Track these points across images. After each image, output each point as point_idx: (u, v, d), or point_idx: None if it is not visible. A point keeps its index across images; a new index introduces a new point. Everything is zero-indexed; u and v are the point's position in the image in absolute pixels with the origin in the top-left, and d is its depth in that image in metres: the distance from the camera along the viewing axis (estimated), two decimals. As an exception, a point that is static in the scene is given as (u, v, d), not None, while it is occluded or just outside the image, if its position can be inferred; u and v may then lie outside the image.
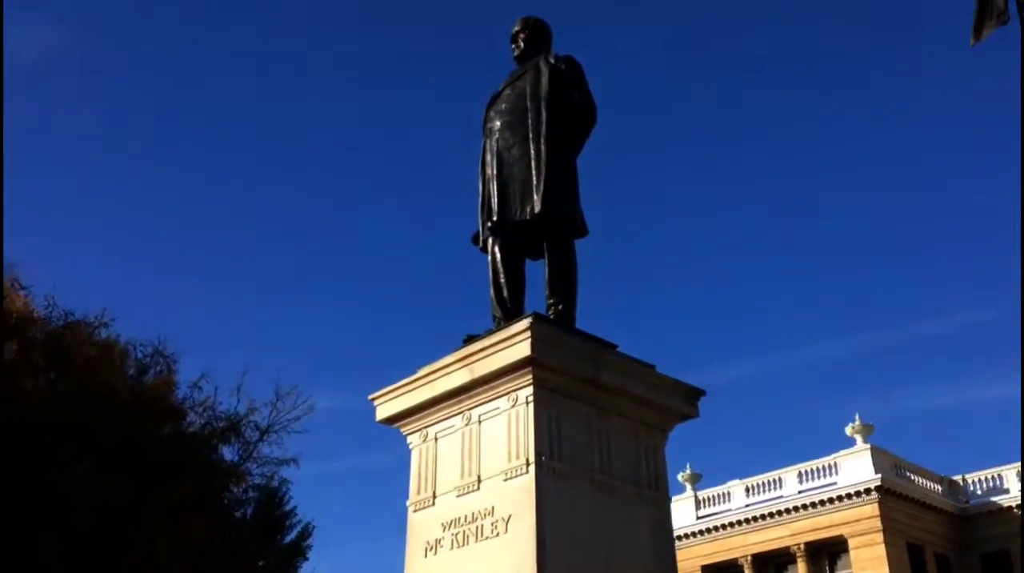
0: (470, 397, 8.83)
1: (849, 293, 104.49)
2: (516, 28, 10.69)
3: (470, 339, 9.31)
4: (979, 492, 57.27)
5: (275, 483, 36.95)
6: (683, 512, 57.46)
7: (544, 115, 9.81)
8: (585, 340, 8.99)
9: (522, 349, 8.34)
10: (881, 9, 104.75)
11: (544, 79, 10.00)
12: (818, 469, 56.15)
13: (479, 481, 8.55)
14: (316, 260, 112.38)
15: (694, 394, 9.43)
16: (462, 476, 8.71)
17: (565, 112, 9.93)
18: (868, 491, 52.96)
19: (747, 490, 58.47)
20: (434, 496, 8.91)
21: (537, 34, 10.63)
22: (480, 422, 8.77)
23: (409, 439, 9.38)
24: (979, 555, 55.86)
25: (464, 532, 8.48)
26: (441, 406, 9.05)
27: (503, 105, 10.22)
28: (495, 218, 9.76)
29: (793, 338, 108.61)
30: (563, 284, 9.62)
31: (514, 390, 8.50)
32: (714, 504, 58.74)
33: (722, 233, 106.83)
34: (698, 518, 58.49)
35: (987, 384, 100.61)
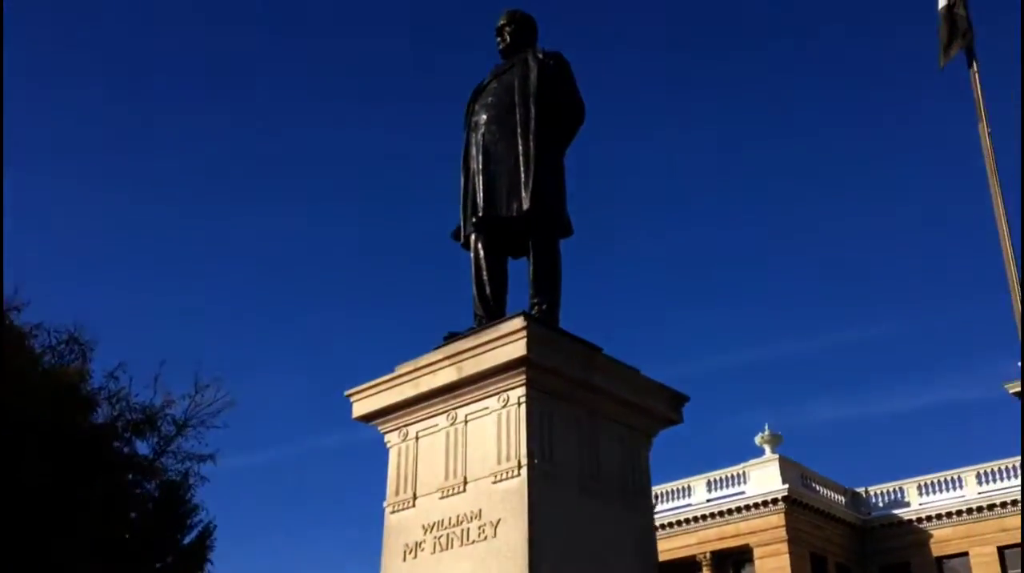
0: (456, 396, 8.57)
1: (762, 304, 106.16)
2: (502, 21, 10.46)
3: (452, 337, 9.06)
4: (881, 505, 58.53)
5: (185, 479, 35.74)
6: (592, 517, 57.56)
7: (533, 111, 9.60)
8: (574, 341, 8.79)
9: (516, 348, 8.12)
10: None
11: (533, 74, 9.80)
12: (727, 478, 56.87)
13: (465, 483, 8.30)
14: (237, 248, 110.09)
15: (679, 399, 9.30)
16: (446, 477, 8.45)
17: (554, 109, 9.74)
18: (775, 501, 53.80)
19: (656, 497, 58.71)
20: (414, 497, 8.62)
21: (523, 28, 10.42)
22: (467, 422, 8.51)
23: (387, 437, 9.08)
24: (879, 567, 57.13)
25: (448, 535, 8.22)
26: (424, 404, 8.77)
27: (489, 99, 9.98)
28: (480, 214, 9.52)
29: (705, 347, 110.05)
30: (548, 284, 9.41)
31: (505, 390, 8.27)
32: (623, 510, 58.90)
33: (632, 242, 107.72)
34: (607, 524, 58.64)
35: (891, 397, 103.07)
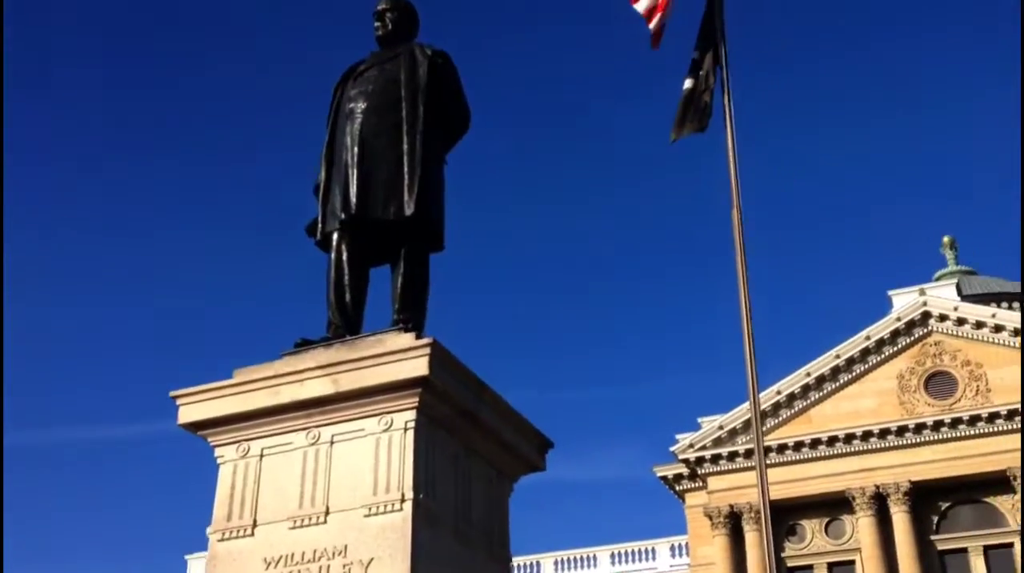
0: (324, 412, 7.42)
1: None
2: (383, 6, 9.46)
3: (306, 344, 7.92)
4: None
5: None
6: None
7: (421, 109, 8.70)
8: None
9: (415, 366, 7.13)
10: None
11: (422, 70, 8.89)
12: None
13: (327, 513, 7.16)
14: None
15: (547, 446, 8.56)
16: (301, 504, 7.26)
17: (440, 111, 8.89)
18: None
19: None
20: (254, 524, 7.35)
21: (406, 18, 9.50)
22: (333, 443, 7.38)
23: (219, 451, 7.73)
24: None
25: (300, 572, 7.02)
26: (278, 417, 7.54)
27: (369, 87, 8.93)
28: (353, 212, 8.42)
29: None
30: (416, 300, 8.45)
31: (389, 412, 7.24)
32: None
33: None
34: None
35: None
